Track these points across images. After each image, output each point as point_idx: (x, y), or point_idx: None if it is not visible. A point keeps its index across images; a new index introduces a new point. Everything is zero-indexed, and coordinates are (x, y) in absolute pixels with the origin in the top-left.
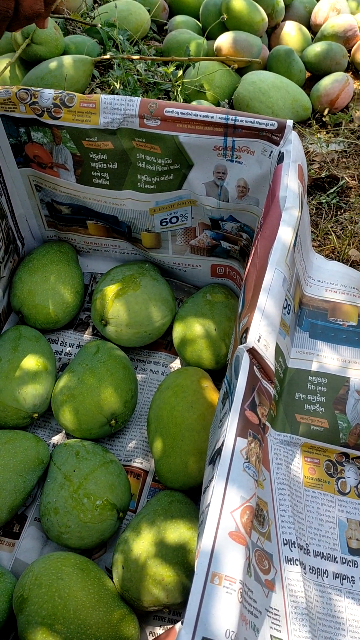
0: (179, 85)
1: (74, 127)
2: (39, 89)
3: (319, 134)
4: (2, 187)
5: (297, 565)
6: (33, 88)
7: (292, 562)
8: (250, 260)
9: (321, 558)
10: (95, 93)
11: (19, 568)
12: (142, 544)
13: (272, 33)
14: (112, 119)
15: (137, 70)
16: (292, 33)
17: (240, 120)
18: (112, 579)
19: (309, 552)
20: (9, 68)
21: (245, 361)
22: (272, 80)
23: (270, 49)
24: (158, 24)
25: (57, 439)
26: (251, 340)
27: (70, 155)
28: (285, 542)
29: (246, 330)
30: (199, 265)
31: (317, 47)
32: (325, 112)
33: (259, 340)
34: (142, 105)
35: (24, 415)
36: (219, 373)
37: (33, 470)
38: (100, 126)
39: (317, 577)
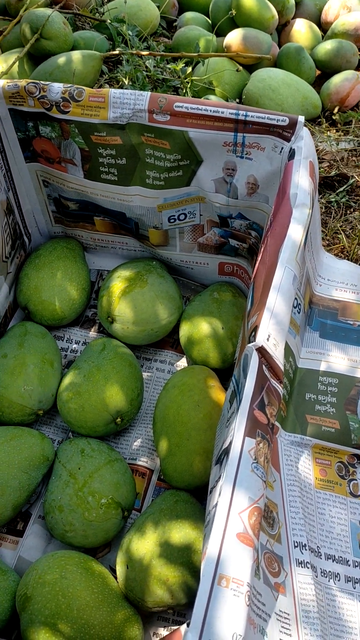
0: (188, 82)
1: (82, 121)
2: (47, 82)
3: (328, 132)
4: (10, 182)
5: (308, 568)
6: (42, 82)
7: (302, 565)
8: (259, 258)
9: (333, 561)
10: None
11: (22, 566)
12: (146, 543)
13: (282, 30)
14: (121, 113)
15: (146, 67)
16: (302, 30)
17: (251, 116)
18: (116, 578)
19: (320, 555)
20: (17, 63)
21: (254, 360)
22: (282, 77)
23: (280, 46)
24: (167, 20)
25: (62, 436)
26: (260, 339)
27: (78, 150)
28: (296, 544)
29: (255, 329)
30: (206, 263)
31: (328, 45)
32: (335, 110)
33: (268, 339)
34: (152, 100)
35: (29, 412)
36: (226, 372)
37: (38, 467)
38: (109, 121)
39: (329, 581)
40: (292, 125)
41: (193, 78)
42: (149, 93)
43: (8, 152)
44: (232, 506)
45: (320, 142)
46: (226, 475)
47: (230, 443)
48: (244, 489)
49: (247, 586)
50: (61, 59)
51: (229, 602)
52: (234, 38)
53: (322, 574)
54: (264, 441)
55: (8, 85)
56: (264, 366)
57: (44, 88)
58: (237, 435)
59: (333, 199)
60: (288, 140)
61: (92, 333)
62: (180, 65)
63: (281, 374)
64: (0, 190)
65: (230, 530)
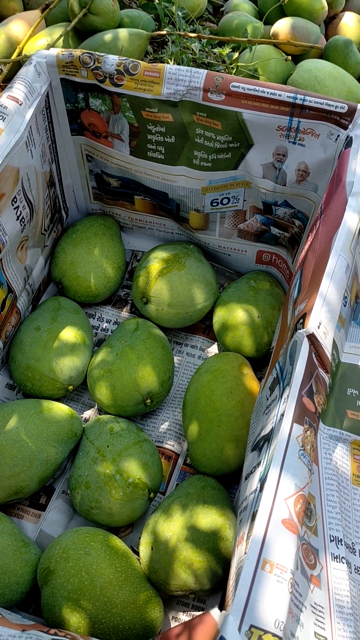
0: (233, 68)
1: (135, 95)
2: (102, 54)
3: None
4: (54, 154)
5: (343, 563)
6: (97, 53)
7: (338, 560)
8: (307, 246)
9: None
10: None
11: (44, 540)
12: (172, 526)
13: (329, 23)
14: (175, 90)
15: (192, 50)
16: (350, 24)
17: (309, 101)
18: (138, 559)
19: (355, 552)
20: (62, 38)
21: (304, 347)
22: (329, 69)
23: (326, 39)
24: (214, 5)
25: (88, 413)
26: (311, 326)
27: (127, 125)
28: (332, 538)
29: (304, 316)
30: (244, 250)
31: None
32: None
33: (319, 327)
34: (208, 77)
35: (59, 386)
36: (258, 362)
37: (66, 442)
38: (163, 97)
39: None
40: (351, 112)
41: (239, 64)
42: (206, 71)
43: (55, 124)
44: (278, 491)
45: None
46: (273, 460)
47: (272, 430)
48: (290, 475)
49: (291, 573)
50: (107, 36)
51: (272, 587)
52: (282, 26)
53: (356, 571)
54: (311, 429)
55: (62, 54)
56: (313, 354)
57: (98, 59)
58: (285, 421)
59: None
60: (345, 127)
61: (124, 313)
62: (227, 50)
63: (328, 363)
64: (45, 161)
65: (275, 516)
